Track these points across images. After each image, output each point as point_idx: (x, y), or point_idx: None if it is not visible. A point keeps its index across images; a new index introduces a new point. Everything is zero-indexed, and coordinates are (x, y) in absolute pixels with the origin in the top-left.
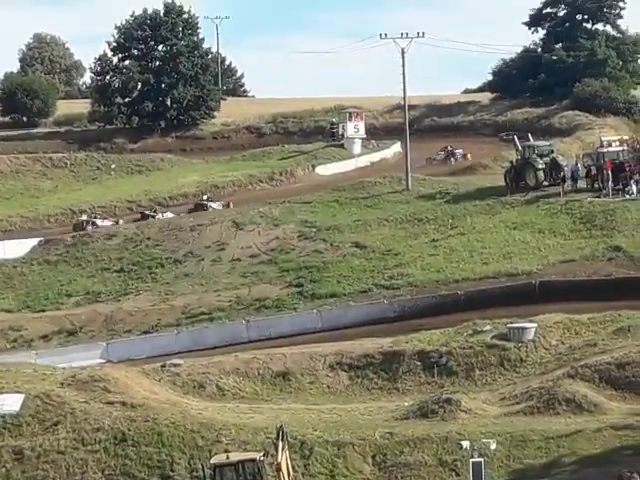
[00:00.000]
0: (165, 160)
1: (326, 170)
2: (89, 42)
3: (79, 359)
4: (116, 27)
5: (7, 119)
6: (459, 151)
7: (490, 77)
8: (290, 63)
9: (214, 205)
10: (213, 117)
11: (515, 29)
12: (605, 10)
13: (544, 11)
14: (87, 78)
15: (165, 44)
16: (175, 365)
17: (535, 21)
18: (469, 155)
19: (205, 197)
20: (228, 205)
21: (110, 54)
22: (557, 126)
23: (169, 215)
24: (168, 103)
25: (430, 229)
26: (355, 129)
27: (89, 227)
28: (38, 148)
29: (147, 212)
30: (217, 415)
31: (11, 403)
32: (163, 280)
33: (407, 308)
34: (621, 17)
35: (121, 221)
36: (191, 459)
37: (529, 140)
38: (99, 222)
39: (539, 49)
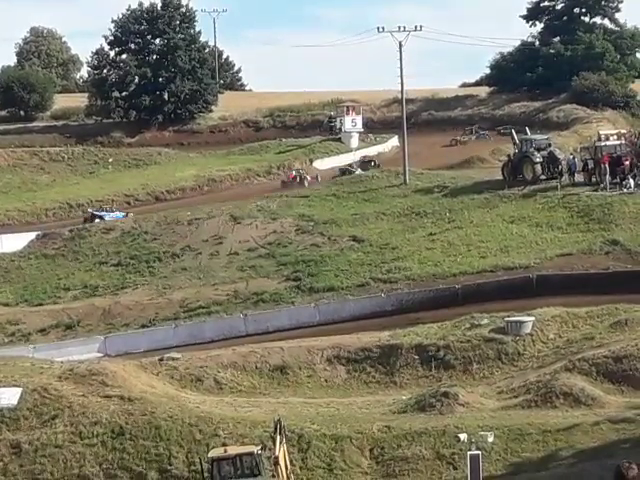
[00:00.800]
0: (162, 154)
1: (324, 164)
2: (86, 36)
3: (77, 353)
4: (113, 21)
5: (4, 113)
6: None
7: (488, 71)
8: (288, 57)
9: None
10: (210, 111)
11: (513, 22)
12: (603, 3)
13: (542, 4)
14: (84, 72)
15: (162, 38)
16: (173, 359)
17: (533, 14)
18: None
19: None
20: None
21: (107, 48)
22: (555, 120)
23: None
24: (165, 97)
25: (428, 223)
26: (353, 123)
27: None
28: (35, 142)
29: (348, 167)
30: (215, 409)
31: (9, 397)
32: (161, 274)
33: (405, 302)
34: (619, 10)
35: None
36: (189, 453)
37: (527, 134)
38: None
39: (537, 42)
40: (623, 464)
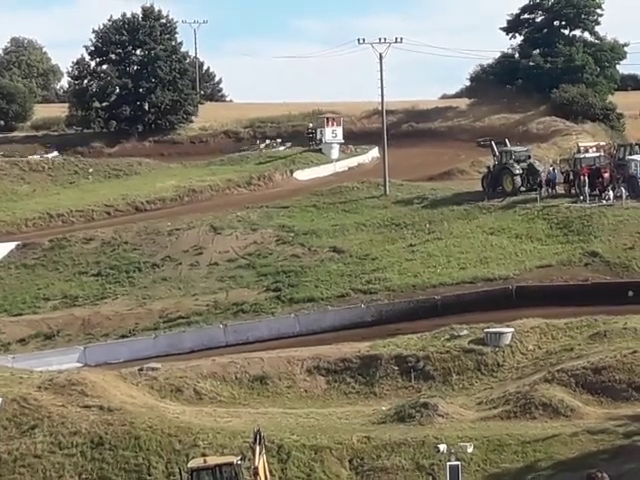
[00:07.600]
0: (143, 164)
1: (304, 175)
2: (67, 46)
3: (56, 363)
4: (94, 31)
5: None
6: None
7: (468, 83)
8: (268, 68)
9: None
10: (191, 122)
11: (493, 35)
12: (583, 16)
13: (522, 17)
14: (65, 82)
15: (143, 48)
16: (152, 369)
17: (513, 27)
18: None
19: None
20: None
21: (88, 58)
22: (534, 132)
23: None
24: (146, 107)
25: (408, 234)
26: (333, 134)
27: None
28: (15, 152)
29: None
30: (194, 419)
31: None
32: (141, 284)
33: (384, 312)
34: (598, 23)
35: None
36: (168, 463)
37: (506, 145)
38: None
39: (517, 55)
40: (593, 473)
